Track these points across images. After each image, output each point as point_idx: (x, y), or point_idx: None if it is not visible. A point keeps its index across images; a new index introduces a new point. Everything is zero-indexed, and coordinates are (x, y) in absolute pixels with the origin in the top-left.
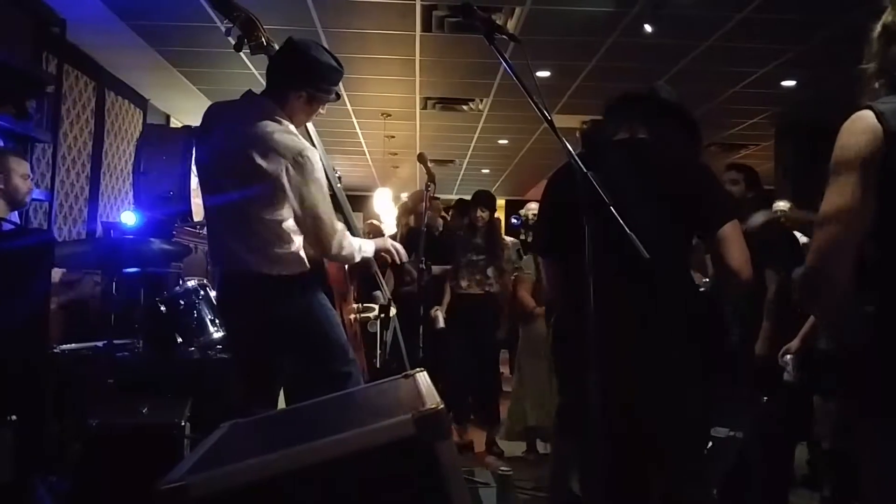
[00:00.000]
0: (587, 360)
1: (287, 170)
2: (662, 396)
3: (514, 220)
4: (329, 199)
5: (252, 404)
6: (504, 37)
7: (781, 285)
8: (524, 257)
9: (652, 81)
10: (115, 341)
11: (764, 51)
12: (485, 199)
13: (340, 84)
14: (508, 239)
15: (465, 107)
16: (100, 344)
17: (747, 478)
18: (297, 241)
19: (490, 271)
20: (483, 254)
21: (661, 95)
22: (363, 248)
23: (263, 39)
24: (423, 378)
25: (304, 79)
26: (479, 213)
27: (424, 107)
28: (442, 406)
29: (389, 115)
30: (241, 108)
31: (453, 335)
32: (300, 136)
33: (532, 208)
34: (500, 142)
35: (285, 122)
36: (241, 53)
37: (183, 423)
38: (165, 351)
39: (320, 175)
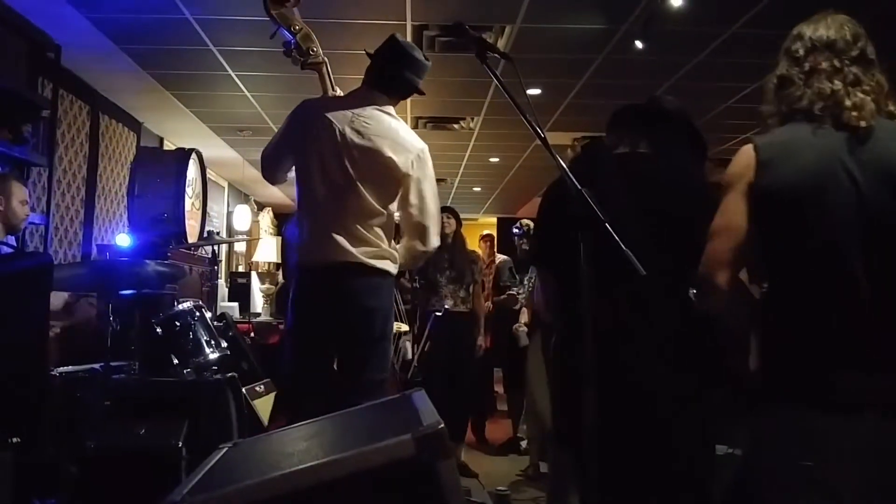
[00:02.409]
0: (582, 375)
1: (412, 164)
2: (658, 414)
3: (514, 230)
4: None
5: (311, 402)
6: (496, 55)
7: None
8: (517, 276)
9: (643, 98)
10: (111, 363)
11: (756, 65)
12: (447, 208)
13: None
14: (500, 257)
15: (456, 125)
16: (97, 366)
17: (747, 496)
18: (389, 242)
19: (468, 289)
20: (455, 270)
21: (663, 107)
22: None
23: (320, 57)
24: (420, 396)
25: (412, 77)
26: (444, 219)
27: (416, 126)
28: (442, 425)
29: None
30: (356, 104)
31: (439, 352)
32: None
33: (527, 222)
34: (492, 160)
35: (401, 120)
36: (234, 76)
37: (180, 445)
38: (161, 372)
39: (433, 173)
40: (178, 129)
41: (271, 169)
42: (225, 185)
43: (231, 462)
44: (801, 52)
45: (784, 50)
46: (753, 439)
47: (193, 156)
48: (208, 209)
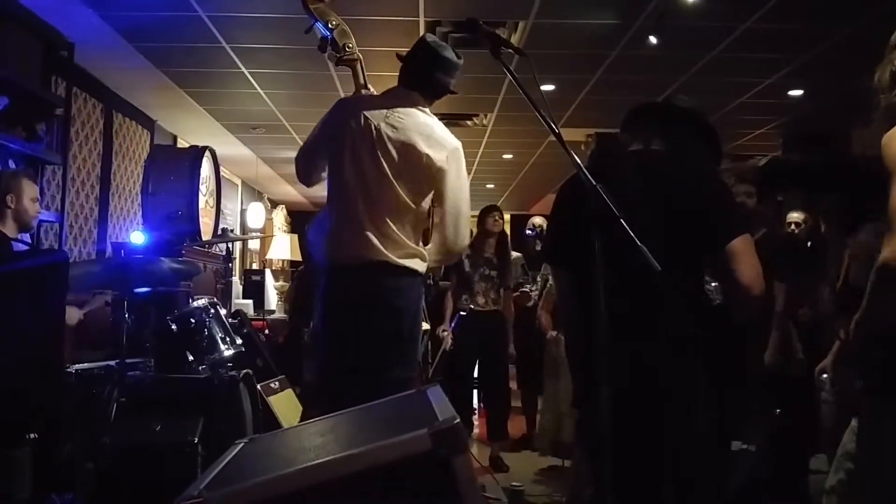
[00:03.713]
0: (597, 372)
1: (447, 160)
2: (673, 412)
3: (528, 232)
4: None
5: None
6: (510, 51)
7: (789, 295)
8: (529, 273)
9: (657, 93)
10: (126, 360)
11: (770, 60)
12: (496, 207)
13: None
14: (513, 254)
15: (469, 122)
16: (112, 363)
17: (761, 492)
18: (419, 241)
19: (498, 290)
20: (495, 269)
21: (678, 105)
22: None
23: (356, 54)
24: (435, 392)
25: (444, 78)
26: (495, 219)
27: None
28: (458, 420)
29: None
30: (391, 103)
31: (468, 351)
32: None
33: (540, 221)
34: (505, 156)
35: (435, 118)
36: (247, 73)
37: (196, 442)
38: (176, 369)
39: (466, 172)
40: (192, 126)
41: (306, 168)
42: (238, 182)
43: (247, 457)
44: None
45: None
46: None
47: (207, 153)
48: (222, 207)
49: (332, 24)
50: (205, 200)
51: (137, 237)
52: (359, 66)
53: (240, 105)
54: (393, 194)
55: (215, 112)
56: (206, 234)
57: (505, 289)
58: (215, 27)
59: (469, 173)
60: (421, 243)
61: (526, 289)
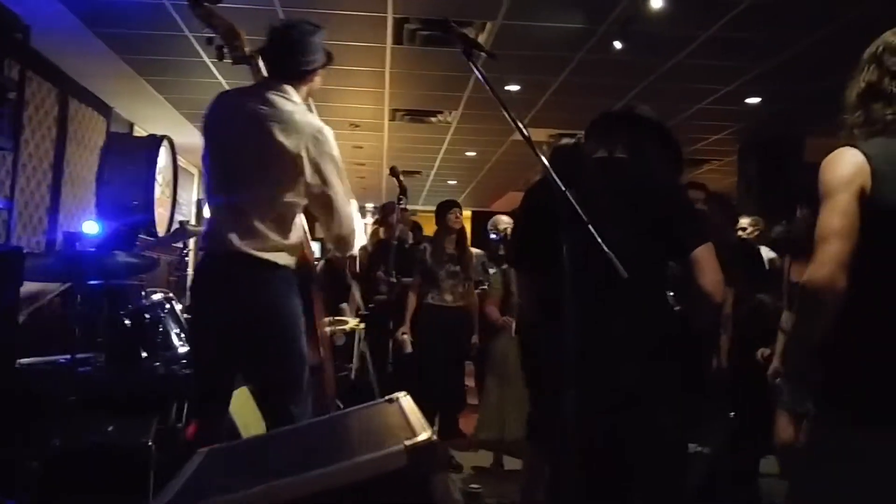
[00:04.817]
0: (560, 374)
1: (307, 146)
2: (637, 416)
3: (493, 236)
4: (346, 178)
5: (207, 406)
6: (482, 53)
7: (737, 299)
8: (491, 271)
9: (619, 97)
10: (76, 356)
11: (730, 68)
12: (455, 203)
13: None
14: (474, 250)
15: (433, 119)
16: (62, 359)
17: (715, 494)
18: (297, 234)
19: (465, 285)
20: (459, 264)
21: (641, 114)
22: (360, 236)
23: (246, 50)
24: (408, 403)
25: (299, 59)
26: (456, 215)
27: (393, 118)
28: (435, 436)
29: (357, 126)
30: (257, 93)
31: (433, 348)
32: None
33: (505, 220)
34: (468, 154)
35: (301, 104)
36: (209, 62)
37: (150, 444)
38: (130, 366)
39: (337, 153)
40: (150, 115)
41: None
42: (195, 172)
43: (211, 470)
44: None
45: (873, 58)
46: (818, 452)
47: (165, 143)
48: (177, 198)
49: (216, 25)
50: (161, 191)
51: (90, 227)
52: (256, 64)
53: (200, 94)
54: (256, 187)
55: (175, 101)
56: (161, 226)
57: (468, 282)
58: (178, 15)
59: (431, 169)
60: (294, 235)
61: (486, 286)
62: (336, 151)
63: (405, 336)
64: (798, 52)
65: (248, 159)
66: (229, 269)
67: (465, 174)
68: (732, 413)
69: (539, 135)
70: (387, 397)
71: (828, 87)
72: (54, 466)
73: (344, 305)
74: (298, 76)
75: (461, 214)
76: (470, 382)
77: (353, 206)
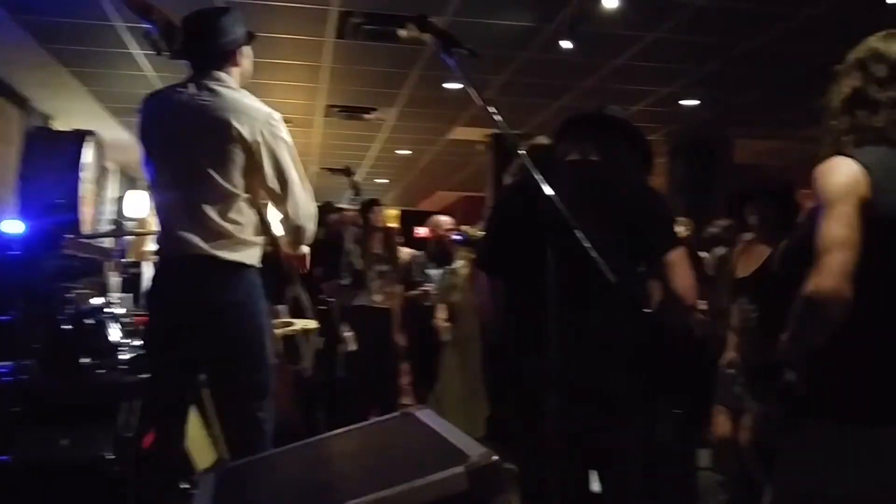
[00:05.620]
0: (539, 378)
1: (261, 133)
2: (607, 419)
3: (456, 237)
4: (300, 164)
5: (168, 417)
6: (463, 51)
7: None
8: (430, 272)
9: (559, 97)
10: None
11: (669, 70)
12: (377, 201)
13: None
14: (406, 251)
15: (368, 115)
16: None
17: (660, 488)
18: (252, 229)
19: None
20: (388, 263)
21: (612, 116)
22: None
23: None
24: (431, 416)
25: (219, 42)
26: (378, 214)
27: (327, 115)
28: (497, 457)
29: (289, 122)
30: (193, 86)
31: (372, 348)
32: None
33: (445, 222)
34: (400, 152)
35: (242, 90)
36: (136, 53)
37: (111, 458)
38: (71, 373)
39: (290, 138)
40: (69, 107)
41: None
42: (116, 169)
43: (237, 491)
44: (884, 73)
45: (858, 64)
46: (807, 455)
47: (91, 138)
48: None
49: (154, 19)
50: (86, 188)
51: (11, 226)
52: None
53: (126, 87)
54: (210, 183)
55: (98, 93)
56: (86, 225)
57: (395, 282)
58: (106, 4)
59: (360, 167)
60: (249, 230)
61: (427, 287)
62: (289, 137)
63: (349, 333)
64: (735, 56)
65: (202, 153)
66: (192, 273)
67: (396, 173)
68: (675, 410)
69: (474, 134)
70: (401, 411)
71: (762, 92)
72: (5, 487)
73: (280, 307)
74: (223, 57)
75: (381, 211)
76: (403, 382)
77: (310, 192)
